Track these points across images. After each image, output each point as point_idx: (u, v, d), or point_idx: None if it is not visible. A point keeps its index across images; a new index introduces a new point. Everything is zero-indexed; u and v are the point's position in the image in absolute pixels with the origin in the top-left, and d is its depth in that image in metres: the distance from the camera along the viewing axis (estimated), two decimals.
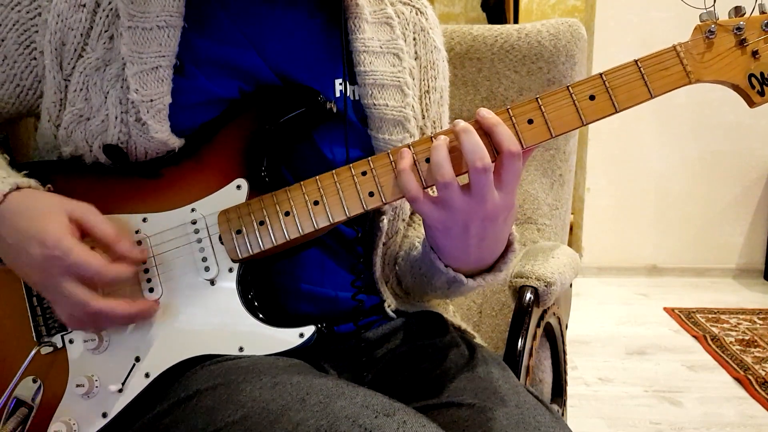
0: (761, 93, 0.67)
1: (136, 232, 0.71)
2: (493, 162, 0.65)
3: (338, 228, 0.80)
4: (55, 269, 0.64)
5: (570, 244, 1.33)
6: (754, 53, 0.67)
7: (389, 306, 0.85)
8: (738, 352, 2.44)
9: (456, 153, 0.65)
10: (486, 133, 0.65)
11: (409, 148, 0.67)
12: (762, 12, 0.67)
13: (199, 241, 0.71)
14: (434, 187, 0.66)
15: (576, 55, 1.25)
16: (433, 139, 0.67)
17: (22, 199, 0.67)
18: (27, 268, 0.66)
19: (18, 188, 0.68)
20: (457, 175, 0.65)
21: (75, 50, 0.74)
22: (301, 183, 0.69)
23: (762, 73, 0.67)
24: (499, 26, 1.31)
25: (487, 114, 0.65)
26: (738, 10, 0.67)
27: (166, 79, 0.73)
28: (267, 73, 0.77)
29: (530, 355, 1.01)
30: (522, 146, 0.66)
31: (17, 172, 0.72)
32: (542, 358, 1.12)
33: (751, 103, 0.68)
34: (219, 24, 0.77)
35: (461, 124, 0.65)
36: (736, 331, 2.67)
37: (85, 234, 0.67)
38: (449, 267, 0.73)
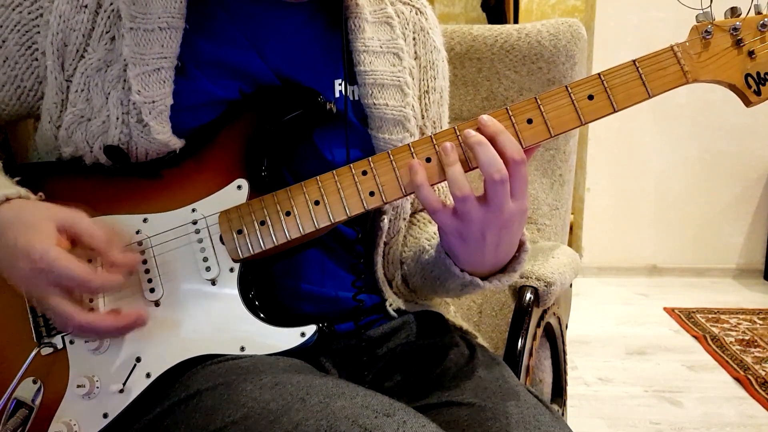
0: (757, 92, 0.68)
1: (137, 232, 0.72)
2: None
3: (338, 228, 0.81)
4: (42, 282, 0.63)
5: (570, 244, 1.33)
6: (750, 53, 0.67)
7: (391, 305, 0.85)
8: (738, 352, 2.44)
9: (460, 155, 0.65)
10: (489, 141, 0.66)
11: (409, 148, 0.67)
12: (758, 12, 0.67)
13: (200, 241, 0.71)
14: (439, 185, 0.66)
15: (576, 55, 1.25)
16: (432, 138, 0.67)
17: (11, 212, 0.66)
18: (18, 281, 0.65)
19: (7, 200, 0.67)
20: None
21: (77, 51, 0.74)
22: (302, 183, 0.70)
23: (758, 73, 0.67)
24: (499, 26, 1.31)
25: (489, 121, 0.66)
26: (734, 11, 0.67)
27: (168, 81, 0.73)
28: (267, 74, 0.77)
29: (530, 355, 1.01)
30: (522, 146, 0.67)
31: (9, 179, 0.71)
32: (542, 358, 1.13)
33: (748, 103, 0.69)
34: (220, 25, 0.78)
35: (475, 137, 0.65)
36: (736, 331, 2.67)
37: (75, 242, 0.66)
38: (465, 271, 0.73)
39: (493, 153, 0.64)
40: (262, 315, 0.70)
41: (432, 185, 0.67)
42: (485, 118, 0.66)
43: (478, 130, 0.66)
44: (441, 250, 0.74)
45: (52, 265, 0.62)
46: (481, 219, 0.65)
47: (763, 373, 2.26)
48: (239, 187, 0.72)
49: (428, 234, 0.87)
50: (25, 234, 0.64)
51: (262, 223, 0.70)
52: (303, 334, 0.69)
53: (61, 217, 0.65)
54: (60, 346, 0.71)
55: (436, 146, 0.67)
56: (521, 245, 0.74)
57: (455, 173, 0.65)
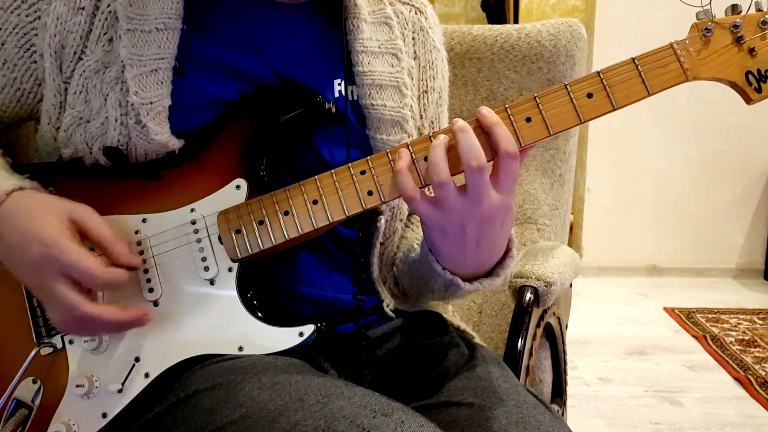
0: (758, 90, 0.67)
1: (136, 232, 0.72)
2: (490, 161, 0.65)
3: (336, 229, 0.80)
4: (51, 269, 0.63)
5: (570, 244, 1.33)
6: (751, 50, 0.67)
7: (388, 306, 0.85)
8: (738, 352, 2.44)
9: (454, 152, 0.65)
10: (485, 133, 0.66)
11: (408, 147, 0.67)
12: (758, 10, 0.67)
13: (199, 241, 0.71)
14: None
15: (576, 55, 1.25)
16: (431, 138, 0.67)
17: (24, 200, 0.67)
18: (23, 268, 0.66)
19: (21, 189, 0.68)
20: (455, 174, 0.65)
21: (74, 53, 0.74)
22: (301, 183, 0.70)
23: (759, 70, 0.67)
24: (499, 26, 1.31)
25: (487, 113, 0.66)
26: (735, 8, 0.67)
27: (166, 82, 0.73)
28: (266, 75, 0.77)
29: (530, 355, 1.01)
30: (520, 144, 0.66)
31: (12, 173, 0.72)
32: (542, 358, 1.12)
33: (749, 100, 0.68)
34: (218, 26, 0.77)
35: (459, 123, 0.65)
36: (736, 331, 2.67)
37: (83, 236, 0.67)
38: (446, 270, 0.73)
39: (474, 140, 0.64)
40: (260, 315, 0.70)
41: (426, 185, 0.67)
42: (484, 109, 0.66)
43: (477, 120, 0.66)
44: (425, 246, 0.74)
45: (64, 252, 0.63)
46: (459, 208, 0.65)
47: (763, 373, 2.26)
48: (238, 186, 0.71)
49: (419, 234, 0.87)
50: (36, 220, 0.65)
51: (261, 222, 0.70)
52: (301, 334, 0.69)
53: (72, 210, 0.67)
54: (59, 345, 0.71)
55: None
56: (507, 251, 0.74)
57: (436, 157, 0.64)
